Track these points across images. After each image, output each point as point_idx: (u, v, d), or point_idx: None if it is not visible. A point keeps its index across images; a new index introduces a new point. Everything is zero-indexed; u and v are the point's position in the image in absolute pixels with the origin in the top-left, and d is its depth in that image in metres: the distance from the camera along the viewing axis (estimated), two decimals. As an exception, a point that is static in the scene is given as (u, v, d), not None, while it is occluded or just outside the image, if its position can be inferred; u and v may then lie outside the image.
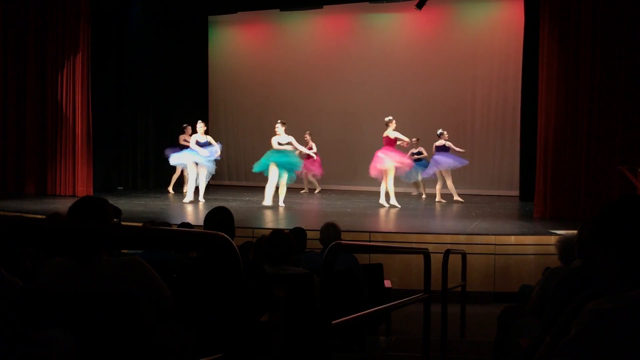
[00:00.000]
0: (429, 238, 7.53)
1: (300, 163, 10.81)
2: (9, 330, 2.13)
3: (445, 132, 11.58)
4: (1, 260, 2.65)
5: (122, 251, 3.86)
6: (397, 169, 10.66)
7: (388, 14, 14.27)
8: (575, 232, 3.08)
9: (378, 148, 12.73)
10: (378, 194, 12.93)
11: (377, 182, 13.50)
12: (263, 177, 14.32)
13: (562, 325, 1.56)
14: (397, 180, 11.16)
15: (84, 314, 2.32)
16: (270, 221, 9.13)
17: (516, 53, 12.43)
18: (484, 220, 9.00)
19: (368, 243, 7.20)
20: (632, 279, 1.35)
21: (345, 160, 14.44)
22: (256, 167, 10.50)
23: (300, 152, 11.06)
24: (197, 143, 10.70)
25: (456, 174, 11.93)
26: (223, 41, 15.56)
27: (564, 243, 3.64)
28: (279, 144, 10.14)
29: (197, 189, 10.91)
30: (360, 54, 14.39)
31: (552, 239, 6.98)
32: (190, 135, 11.34)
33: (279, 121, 10.30)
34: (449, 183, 11.46)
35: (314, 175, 13.28)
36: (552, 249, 4.63)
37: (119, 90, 13.64)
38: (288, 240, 3.77)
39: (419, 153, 12.43)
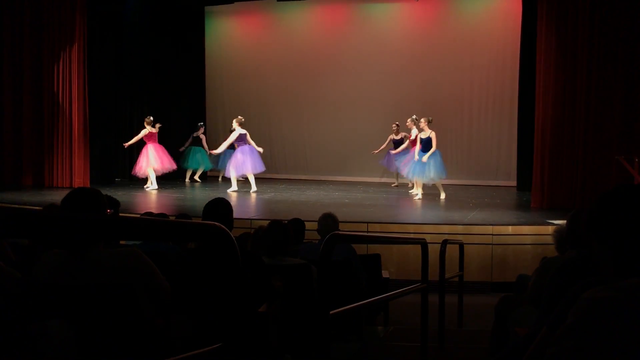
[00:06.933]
0: (426, 228, 7.54)
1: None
2: (7, 321, 2.13)
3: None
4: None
5: (121, 242, 3.86)
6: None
7: (386, 4, 14.21)
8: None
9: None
10: (375, 184, 13.05)
11: (375, 173, 13.57)
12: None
13: (559, 314, 1.57)
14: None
15: (82, 305, 2.32)
16: (268, 212, 9.14)
17: (514, 42, 12.39)
18: (481, 211, 9.02)
19: (366, 233, 7.21)
20: (628, 268, 1.35)
21: (343, 151, 14.42)
22: None
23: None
24: None
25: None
26: (220, 32, 15.49)
27: (561, 233, 3.65)
28: None
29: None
30: (357, 43, 14.33)
31: (550, 229, 6.98)
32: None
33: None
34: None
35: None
36: (550, 239, 4.64)
37: (115, 82, 13.59)
38: (286, 230, 3.77)
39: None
